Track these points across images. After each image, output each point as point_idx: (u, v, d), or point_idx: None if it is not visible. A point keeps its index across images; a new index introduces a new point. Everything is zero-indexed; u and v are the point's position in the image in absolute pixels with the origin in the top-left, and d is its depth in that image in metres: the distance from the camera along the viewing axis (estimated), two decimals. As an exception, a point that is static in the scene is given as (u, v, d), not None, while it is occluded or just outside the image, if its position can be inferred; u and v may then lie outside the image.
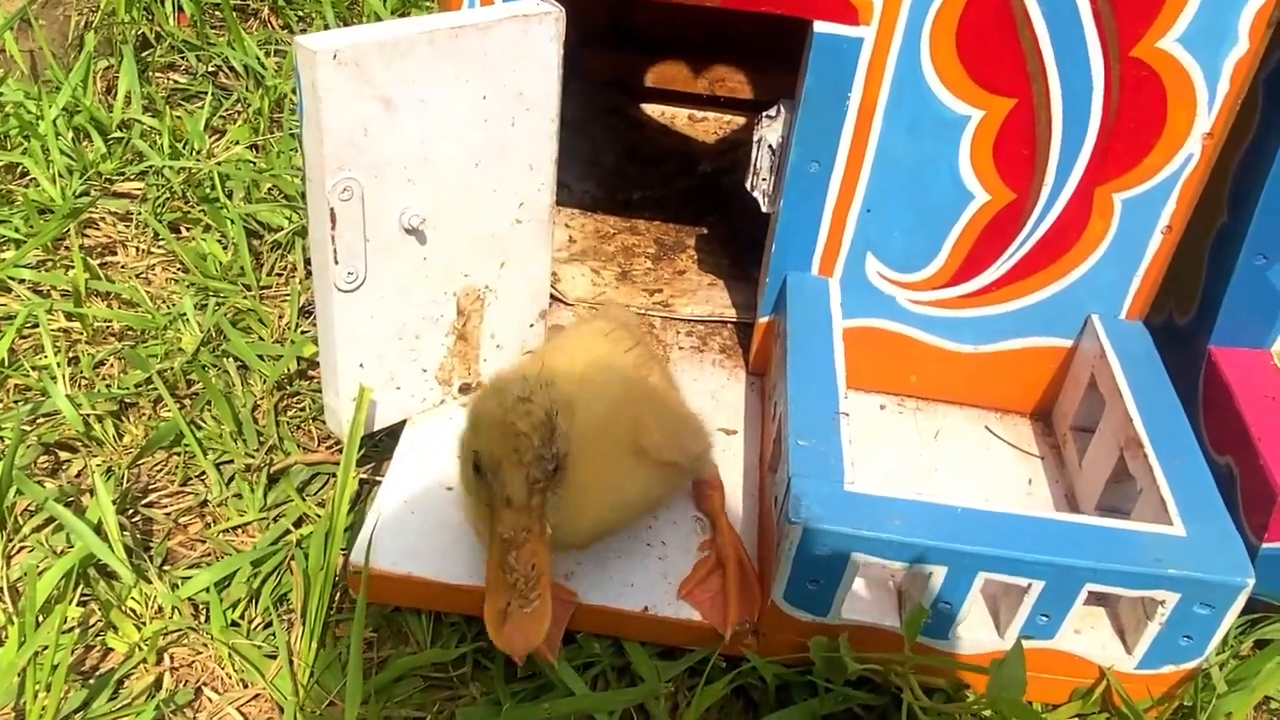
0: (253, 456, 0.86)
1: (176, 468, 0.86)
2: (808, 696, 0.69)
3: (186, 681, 0.70)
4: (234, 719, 0.69)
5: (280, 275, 1.09)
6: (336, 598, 0.74)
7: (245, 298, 1.03)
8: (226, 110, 1.34)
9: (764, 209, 0.82)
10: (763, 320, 0.85)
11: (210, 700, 0.70)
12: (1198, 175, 0.74)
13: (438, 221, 0.71)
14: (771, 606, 0.66)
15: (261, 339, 0.99)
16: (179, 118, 1.30)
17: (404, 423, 0.81)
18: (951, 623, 0.65)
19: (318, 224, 0.66)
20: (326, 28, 1.49)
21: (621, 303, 0.93)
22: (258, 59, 1.41)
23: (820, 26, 0.71)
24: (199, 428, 0.88)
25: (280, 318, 1.02)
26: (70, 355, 0.96)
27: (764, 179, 0.80)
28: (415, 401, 0.80)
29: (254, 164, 1.22)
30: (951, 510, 0.64)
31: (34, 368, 0.94)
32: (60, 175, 1.18)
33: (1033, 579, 0.62)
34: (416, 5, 1.56)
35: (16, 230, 1.11)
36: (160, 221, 1.12)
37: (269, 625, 0.74)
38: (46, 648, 0.67)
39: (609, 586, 0.69)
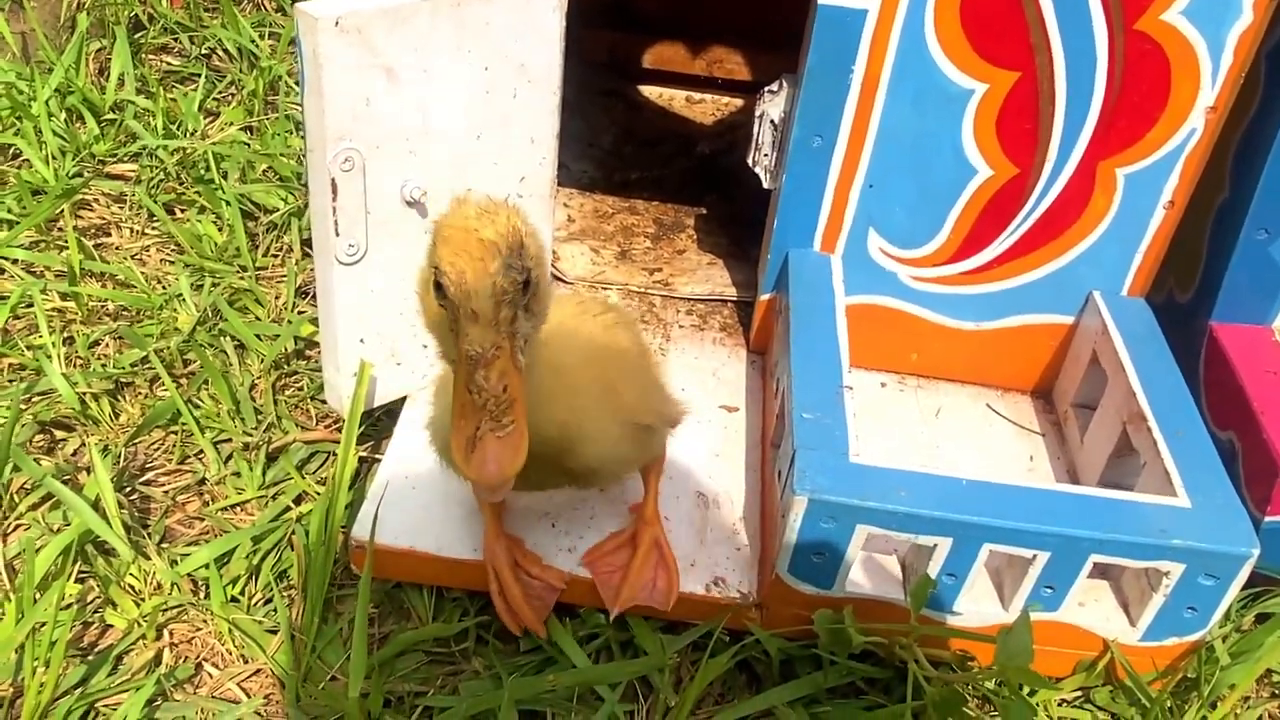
0: (251, 435, 0.85)
1: (174, 446, 0.85)
2: (812, 670, 0.68)
3: (186, 657, 0.70)
4: (235, 694, 0.68)
5: (276, 256, 1.08)
6: (337, 573, 0.74)
7: (241, 278, 1.02)
8: (220, 92, 1.33)
9: (765, 185, 0.82)
10: (764, 298, 0.85)
11: (210, 675, 0.69)
12: (1200, 150, 0.74)
13: (439, 194, 0.71)
14: (775, 579, 0.66)
15: (258, 319, 0.98)
16: (173, 100, 1.29)
17: (404, 400, 0.81)
18: (956, 595, 0.65)
19: (319, 195, 0.66)
20: (321, 10, 1.48)
21: (621, 281, 0.93)
22: (251, 40, 1.40)
23: (824, 0, 0.71)
24: (196, 406, 0.88)
25: (277, 298, 1.01)
26: (65, 335, 0.95)
27: (766, 155, 0.80)
28: (415, 378, 0.79)
29: (248, 145, 1.21)
30: (956, 482, 0.64)
31: (29, 347, 0.93)
32: (53, 156, 1.17)
33: (1038, 550, 0.62)
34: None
35: (9, 211, 1.10)
36: (155, 202, 1.11)
37: (269, 601, 0.73)
38: (45, 624, 0.67)
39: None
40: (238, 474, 0.83)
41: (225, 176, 1.16)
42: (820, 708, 0.67)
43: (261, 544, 0.76)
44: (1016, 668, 0.57)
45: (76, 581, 0.73)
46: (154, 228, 1.11)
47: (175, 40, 1.42)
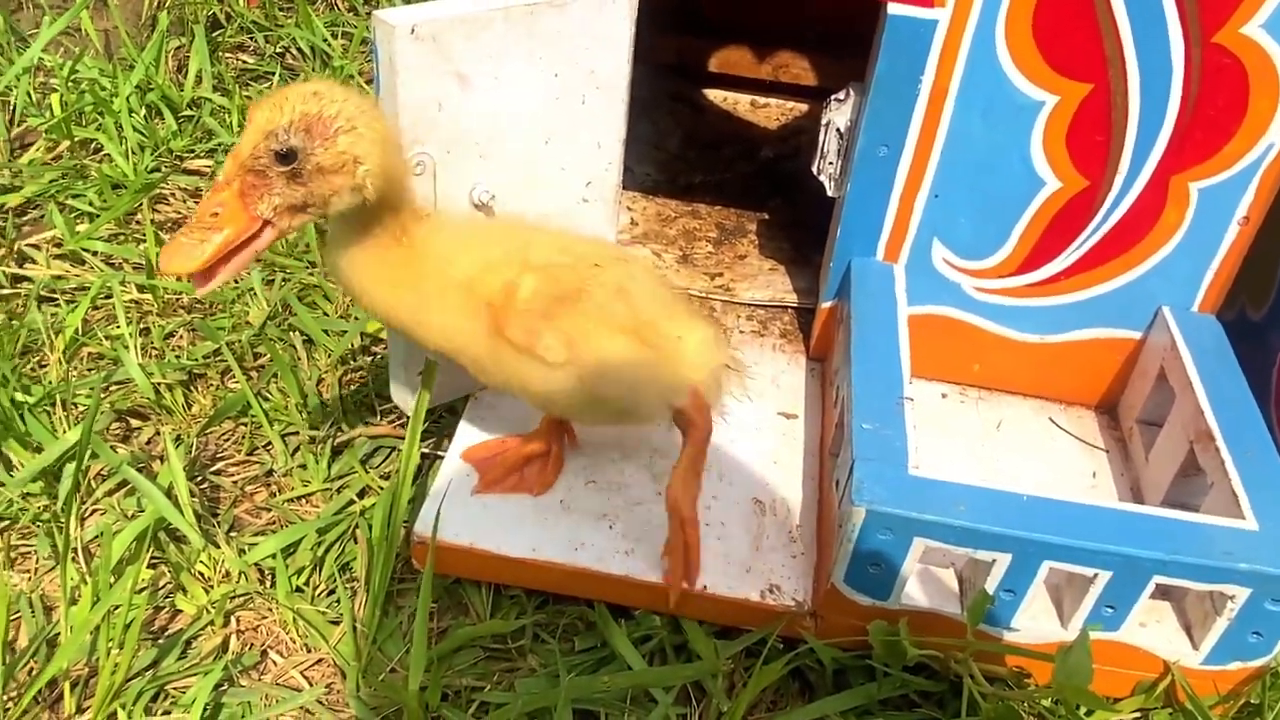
0: (317, 429, 0.88)
1: (243, 437, 0.88)
2: (865, 681, 0.68)
3: (252, 644, 0.72)
4: (298, 682, 0.70)
5: (344, 253, 1.10)
6: (398, 568, 0.75)
7: (310, 274, 1.05)
8: (293, 91, 1.36)
9: (830, 193, 0.82)
10: (825, 305, 0.85)
11: (275, 663, 0.71)
12: (1277, 165, 0.73)
13: (506, 198, 0.72)
14: (831, 589, 0.66)
15: (325, 315, 1.01)
16: (248, 97, 1.32)
17: (466, 398, 0.82)
18: (1014, 611, 0.64)
19: (390, 197, 0.67)
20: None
21: (682, 285, 0.93)
22: (324, 40, 1.43)
23: (894, 8, 0.70)
24: (265, 399, 0.90)
25: (344, 295, 1.03)
26: (142, 326, 0.98)
27: (831, 163, 0.80)
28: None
29: (320, 143, 1.24)
30: (1017, 497, 0.63)
31: (107, 337, 0.96)
32: (133, 151, 1.21)
33: (1099, 569, 0.61)
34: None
35: (90, 204, 1.14)
36: (229, 198, 1.14)
37: (332, 592, 0.75)
38: (119, 607, 0.69)
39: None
40: (304, 466, 0.85)
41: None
42: (874, 718, 0.67)
43: (326, 536, 0.78)
44: (1075, 687, 0.57)
45: (149, 567, 0.75)
46: (227, 223, 1.14)
47: (251, 39, 1.45)
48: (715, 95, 1.20)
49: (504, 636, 0.71)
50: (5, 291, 1.02)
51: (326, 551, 0.77)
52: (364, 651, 0.70)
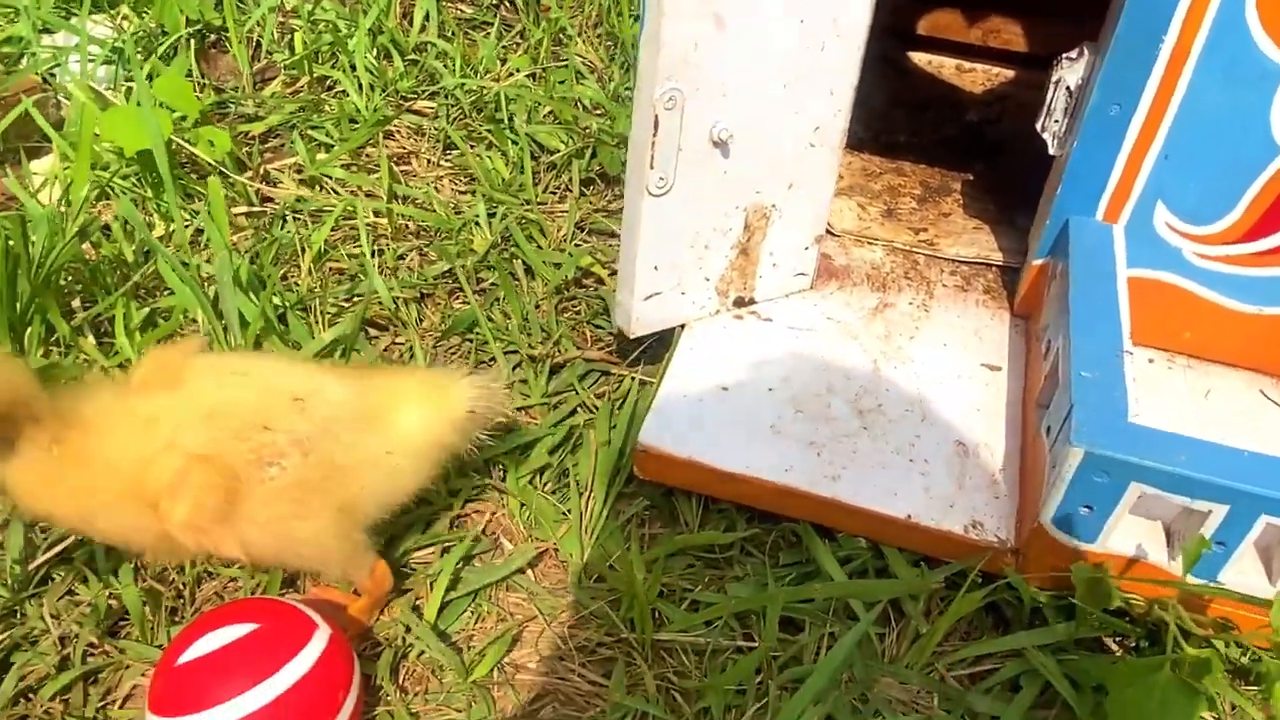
0: (536, 349, 0.94)
1: (469, 353, 0.95)
2: (1062, 620, 0.71)
3: (485, 531, 0.79)
4: (525, 568, 0.77)
5: (555, 193, 1.17)
6: (617, 476, 0.81)
7: (527, 210, 1.12)
8: (508, 41, 1.43)
9: (1052, 151, 0.83)
10: (1036, 262, 0.87)
11: (505, 549, 0.78)
12: None
13: (741, 137, 0.76)
14: (1037, 529, 0.68)
15: (541, 248, 1.07)
16: (469, 44, 1.40)
17: (680, 329, 0.87)
18: (1223, 564, 0.66)
19: (641, 129, 0.72)
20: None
21: (886, 238, 0.96)
22: (539, -7, 1.49)
23: (1143, -33, 0.71)
24: (489, 320, 0.97)
25: (558, 230, 1.10)
26: (375, 249, 1.07)
27: (1056, 121, 0.81)
28: (694, 309, 0.85)
29: (531, 90, 1.31)
30: (1238, 453, 0.64)
31: (349, 255, 1.05)
32: (365, 90, 1.30)
33: (1319, 528, 0.62)
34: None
35: (327, 135, 1.24)
36: (448, 139, 1.23)
37: (554, 493, 0.82)
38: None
39: (874, 493, 0.73)
40: (524, 381, 0.92)
41: (511, 119, 1.26)
42: (1068, 656, 0.69)
43: (549, 442, 0.84)
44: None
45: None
46: (448, 160, 1.22)
47: (470, -11, 1.53)
48: (921, 58, 1.21)
49: (713, 547, 0.77)
50: (255, 209, 1.12)
51: (551, 454, 0.83)
52: (587, 546, 0.76)
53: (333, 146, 1.21)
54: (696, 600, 0.73)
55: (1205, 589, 0.66)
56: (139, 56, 1.22)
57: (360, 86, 1.30)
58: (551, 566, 0.77)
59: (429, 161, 1.22)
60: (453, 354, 0.96)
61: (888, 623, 0.73)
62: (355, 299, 1.00)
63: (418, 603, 0.73)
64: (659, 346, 0.92)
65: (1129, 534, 0.69)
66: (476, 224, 1.09)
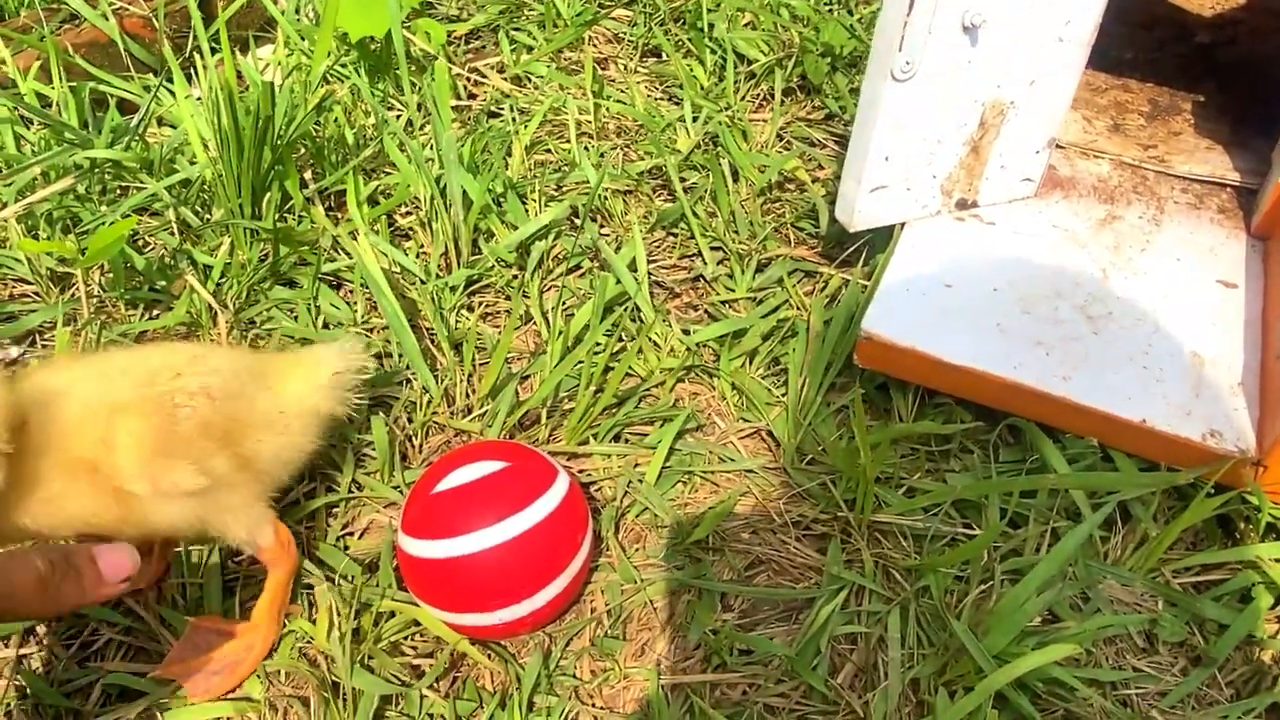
0: (742, 245, 0.95)
1: (674, 247, 0.97)
2: (1299, 538, 0.68)
3: (698, 410, 0.81)
4: (735, 447, 0.78)
5: (752, 102, 1.17)
6: (830, 368, 0.81)
7: (728, 116, 1.12)
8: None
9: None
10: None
11: (718, 428, 0.79)
12: None
13: (992, 25, 0.74)
14: (1284, 440, 0.66)
15: (744, 151, 1.07)
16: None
17: (899, 228, 0.86)
18: None
19: (894, 7, 0.71)
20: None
21: (1114, 152, 0.92)
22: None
23: None
24: (695, 216, 0.98)
25: (760, 136, 1.10)
26: (580, 145, 1.09)
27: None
28: (917, 207, 0.84)
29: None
30: None
31: (559, 149, 1.07)
32: (567, -5, 1.31)
33: None
34: None
35: (530, 36, 1.26)
36: (646, 45, 1.23)
37: (765, 378, 0.82)
38: (581, 362, 0.80)
39: (1107, 395, 0.72)
40: (730, 275, 0.92)
41: (711, 27, 1.26)
42: (1307, 572, 0.67)
43: (759, 328, 0.85)
44: None
45: (606, 335, 0.85)
46: (645, 67, 1.23)
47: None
48: (1146, -23, 1.16)
49: (930, 439, 0.76)
50: (462, 103, 1.16)
51: (762, 343, 0.84)
52: (800, 428, 0.77)
53: (534, 48, 1.23)
54: (914, 487, 0.73)
55: None
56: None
57: (562, -9, 1.31)
58: (762, 448, 0.78)
59: (626, 68, 1.23)
60: (657, 246, 0.97)
61: (1111, 527, 0.71)
62: (564, 189, 1.02)
63: (636, 468, 0.75)
64: (866, 251, 0.91)
65: (1389, 450, 0.65)
66: (681, 125, 1.09)
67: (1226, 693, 0.64)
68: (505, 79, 1.20)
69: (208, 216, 0.96)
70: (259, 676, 0.63)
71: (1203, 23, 1.12)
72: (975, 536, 0.69)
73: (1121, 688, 0.65)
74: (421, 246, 0.95)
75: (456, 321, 0.88)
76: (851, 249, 0.91)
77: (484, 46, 1.27)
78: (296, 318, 0.87)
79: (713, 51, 1.21)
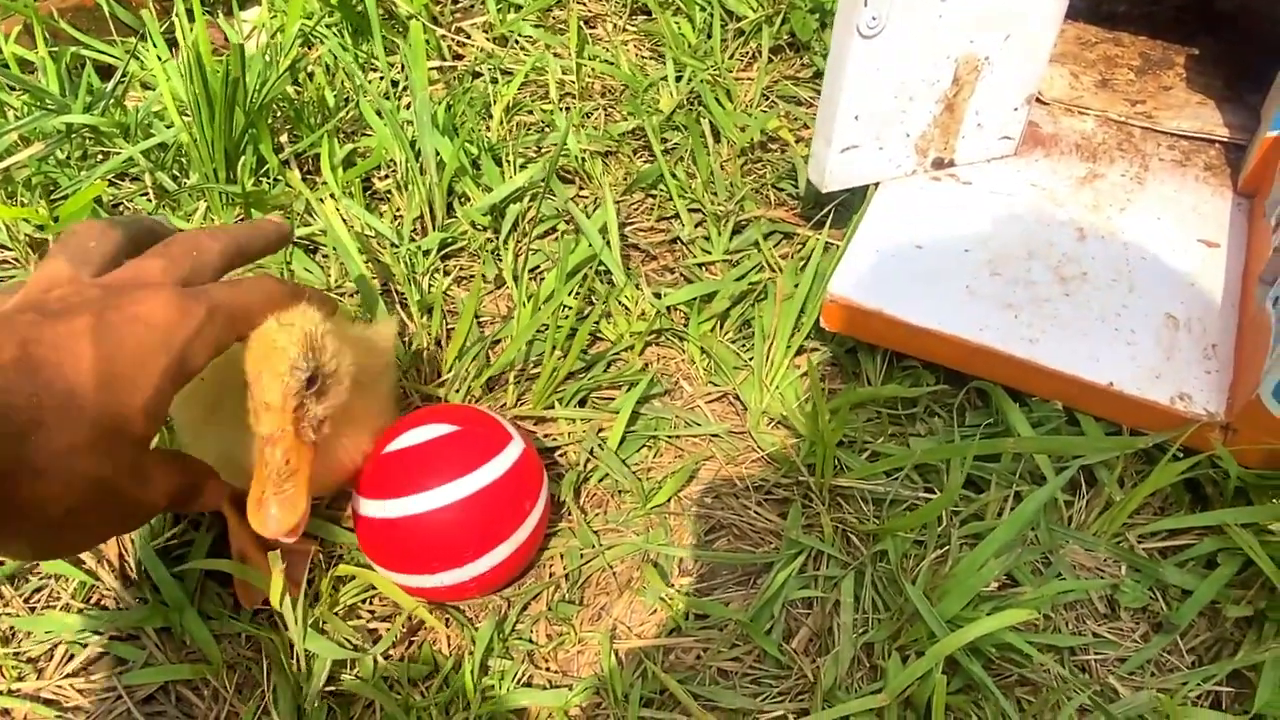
0: (719, 207, 0.94)
1: (652, 208, 0.96)
2: (1269, 500, 0.67)
3: (664, 374, 0.80)
4: (702, 411, 0.78)
5: (741, 60, 1.15)
6: (799, 331, 0.80)
7: (714, 75, 1.10)
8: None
9: (1304, 9, 0.76)
10: (1269, 135, 0.80)
11: (685, 392, 0.79)
12: None
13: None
14: (1254, 403, 0.64)
15: (727, 111, 1.06)
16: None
17: (873, 187, 0.85)
18: None
19: (858, -38, 0.70)
20: None
21: (1100, 108, 0.90)
22: None
23: None
24: (673, 177, 0.97)
25: (745, 95, 1.08)
26: (562, 105, 1.07)
27: (1314, -27, 0.74)
28: (890, 166, 0.83)
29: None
30: None
31: (540, 110, 1.06)
32: (555, -48, 1.29)
33: None
34: None
35: (518, -3, 1.24)
36: (635, 2, 1.21)
37: (734, 342, 0.82)
38: (545, 326, 0.79)
39: (1074, 357, 0.70)
40: (707, 237, 0.91)
41: (700, -17, 1.24)
42: (1273, 537, 0.66)
43: (728, 291, 0.84)
44: None
45: (575, 298, 0.85)
46: (633, 25, 1.21)
47: None
48: (1146, -74, 1.12)
49: (896, 403, 0.75)
50: (446, 64, 1.14)
51: (733, 307, 0.83)
52: (766, 393, 0.76)
53: (521, 6, 1.22)
54: (877, 451, 0.72)
55: None
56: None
57: (550, -51, 1.29)
58: (729, 412, 0.78)
59: (614, 26, 1.22)
60: (635, 208, 0.96)
61: (1076, 491, 0.70)
62: (544, 150, 1.01)
63: (600, 433, 0.75)
64: (844, 211, 0.90)
65: (1359, 414, 0.64)
66: (664, 85, 1.08)
67: (1188, 659, 0.64)
68: (490, 39, 1.18)
69: (184, 181, 0.96)
70: (216, 637, 0.64)
71: (1203, -28, 1.09)
72: (936, 499, 0.68)
73: (1080, 653, 0.64)
74: (398, 210, 0.95)
75: (430, 285, 0.88)
76: (829, 209, 0.90)
77: (472, 6, 1.26)
78: (269, 282, 0.87)
79: (702, 8, 1.19)
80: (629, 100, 1.05)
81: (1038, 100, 0.91)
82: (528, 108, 1.07)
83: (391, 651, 0.64)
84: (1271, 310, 0.67)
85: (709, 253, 0.90)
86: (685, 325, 0.83)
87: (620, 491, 0.72)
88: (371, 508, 0.61)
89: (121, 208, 0.96)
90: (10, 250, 0.91)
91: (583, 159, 0.99)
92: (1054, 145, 0.88)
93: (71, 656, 0.65)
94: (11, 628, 0.66)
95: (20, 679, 0.64)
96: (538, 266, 0.89)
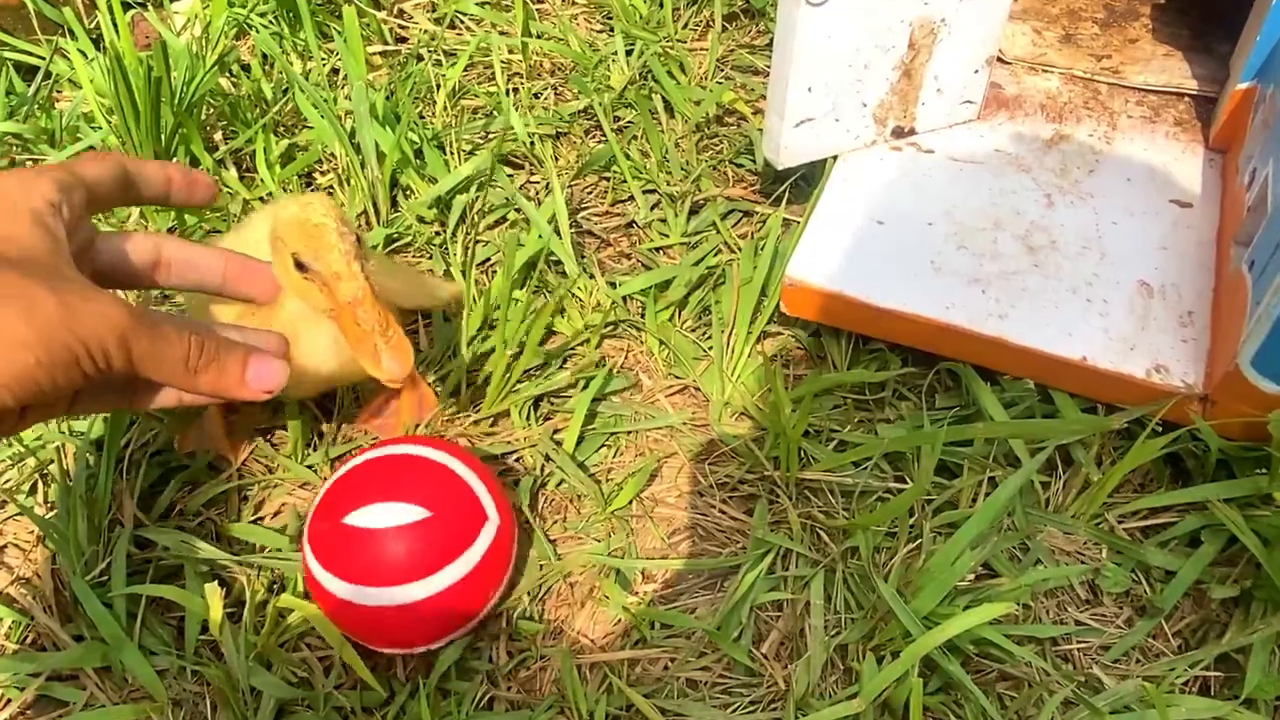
0: (675, 186, 0.90)
1: (606, 191, 0.92)
2: (1251, 474, 0.64)
3: (623, 368, 0.77)
4: (663, 405, 0.75)
5: (695, 30, 1.11)
6: (761, 315, 0.77)
7: (666, 46, 1.06)
8: None
9: (1272, -47, 0.72)
10: (1239, 87, 0.77)
11: (645, 385, 0.76)
12: None
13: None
14: (1232, 373, 0.62)
15: (681, 85, 1.02)
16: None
17: (832, 161, 0.81)
18: None
19: (801, -73, 0.66)
20: None
21: (1064, 65, 0.87)
22: None
23: None
24: (627, 158, 0.93)
25: (700, 67, 1.04)
26: (510, 87, 1.03)
27: (1281, -84, 0.70)
28: (849, 138, 0.79)
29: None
30: None
31: (485, 94, 1.02)
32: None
33: None
34: None
35: (461, -27, 1.19)
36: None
37: (695, 329, 0.78)
38: (494, 325, 0.75)
39: (1045, 332, 0.67)
40: (664, 220, 0.88)
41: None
42: (1258, 512, 0.63)
43: (684, 278, 0.80)
44: None
45: (531, 293, 0.81)
46: (584, -2, 1.16)
47: None
48: None
49: (864, 388, 0.72)
50: (390, 48, 1.10)
51: (691, 293, 0.80)
52: (728, 384, 0.73)
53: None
54: (845, 440, 0.69)
55: None
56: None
57: (493, -79, 1.24)
58: (691, 404, 0.75)
59: (564, 0, 1.17)
60: (589, 192, 0.92)
61: (1053, 472, 0.68)
62: (491, 136, 0.97)
63: (556, 435, 0.72)
64: (805, 186, 0.86)
65: (1342, 380, 0.61)
66: (614, 60, 1.04)
67: (1174, 644, 0.61)
68: (433, 20, 1.14)
69: (115, 187, 0.91)
70: (161, 674, 0.61)
71: (1167, -83, 1.05)
72: (907, 490, 0.65)
73: (1062, 643, 0.62)
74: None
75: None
76: (789, 183, 0.86)
77: (417, -16, 1.21)
78: (207, 291, 0.83)
79: (653, -24, 1.15)
80: (576, 78, 1.00)
81: (999, 60, 0.88)
82: (473, 91, 1.02)
83: (344, 679, 0.61)
84: (1247, 273, 0.64)
85: (666, 236, 0.87)
86: (643, 315, 0.80)
87: (579, 496, 0.69)
88: (324, 579, 0.57)
89: (51, 218, 0.92)
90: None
91: (531, 142, 0.95)
92: (1018, 107, 0.84)
93: (9, 701, 0.62)
94: (-57, 675, 0.63)
95: (-47, 730, 0.61)
96: (488, 259, 0.85)
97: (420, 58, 1.06)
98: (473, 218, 0.88)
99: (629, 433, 0.72)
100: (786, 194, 0.85)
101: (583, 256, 0.85)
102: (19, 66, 1.04)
